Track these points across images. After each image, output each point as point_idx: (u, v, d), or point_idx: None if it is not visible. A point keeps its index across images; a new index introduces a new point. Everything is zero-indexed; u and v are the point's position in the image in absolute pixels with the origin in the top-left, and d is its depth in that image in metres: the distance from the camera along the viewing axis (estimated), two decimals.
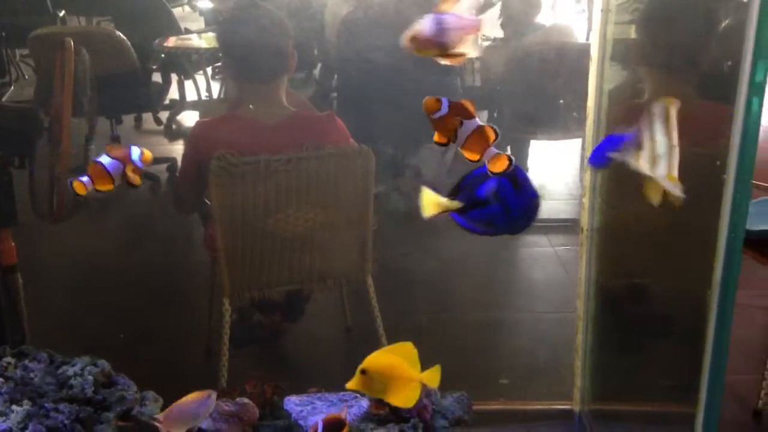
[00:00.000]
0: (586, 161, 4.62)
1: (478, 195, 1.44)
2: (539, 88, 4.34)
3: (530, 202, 1.44)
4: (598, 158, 1.61)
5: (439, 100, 1.32)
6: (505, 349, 3.39)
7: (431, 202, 1.44)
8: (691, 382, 1.72)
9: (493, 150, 1.33)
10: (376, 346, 2.79)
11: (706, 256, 1.55)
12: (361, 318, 3.07)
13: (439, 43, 1.33)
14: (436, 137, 1.35)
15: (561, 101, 4.40)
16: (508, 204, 1.44)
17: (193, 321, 3.35)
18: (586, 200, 1.89)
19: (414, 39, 1.33)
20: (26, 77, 7.64)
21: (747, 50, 1.32)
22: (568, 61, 4.25)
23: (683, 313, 2.16)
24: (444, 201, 1.44)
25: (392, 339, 2.84)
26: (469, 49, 1.36)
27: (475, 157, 1.34)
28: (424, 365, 1.86)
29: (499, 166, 1.33)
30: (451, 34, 1.33)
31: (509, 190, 1.43)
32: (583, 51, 4.39)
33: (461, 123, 1.33)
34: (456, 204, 1.45)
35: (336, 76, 4.85)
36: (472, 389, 1.92)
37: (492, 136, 1.33)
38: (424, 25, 1.33)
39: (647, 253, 2.14)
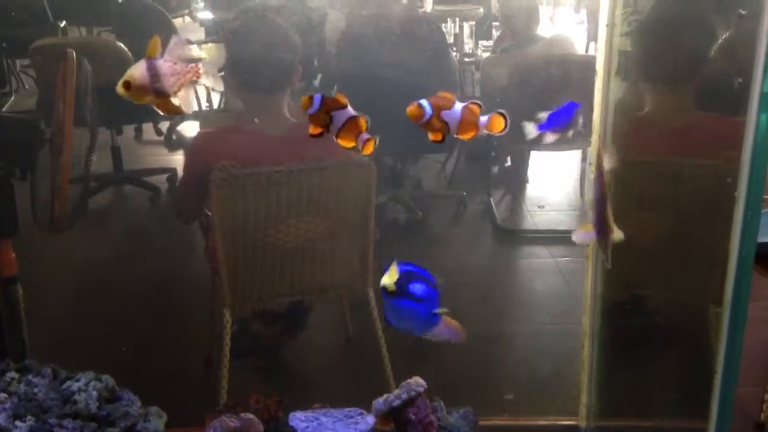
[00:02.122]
0: (587, 173, 4.61)
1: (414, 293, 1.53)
2: (540, 99, 4.34)
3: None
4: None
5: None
6: (508, 360, 3.38)
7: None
8: (700, 398, 1.70)
9: (483, 120, 1.38)
10: (377, 356, 2.79)
11: (714, 270, 1.55)
12: (362, 328, 3.06)
13: (155, 90, 1.36)
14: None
15: None
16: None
17: (194, 332, 3.34)
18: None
19: (127, 85, 1.34)
20: (27, 87, 7.63)
21: (758, 64, 1.31)
22: (569, 73, 4.25)
23: (690, 327, 2.15)
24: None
25: (393, 350, 2.84)
26: (185, 102, 1.41)
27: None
28: (426, 375, 1.85)
29: (497, 125, 1.38)
30: (165, 81, 1.35)
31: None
32: (585, 63, 4.43)
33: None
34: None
35: (336, 87, 4.85)
36: (474, 402, 1.90)
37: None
38: (136, 71, 1.34)
39: (654, 267, 2.13)
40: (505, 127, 1.38)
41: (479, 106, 1.38)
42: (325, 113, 1.41)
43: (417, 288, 1.52)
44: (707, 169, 2.26)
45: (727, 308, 1.28)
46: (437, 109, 1.37)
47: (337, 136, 1.42)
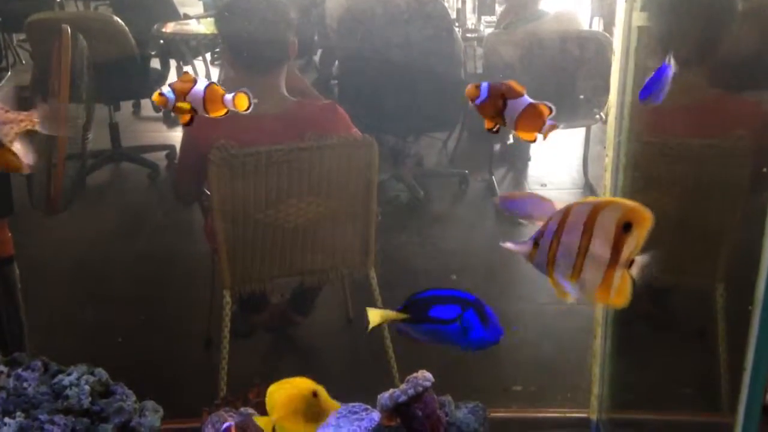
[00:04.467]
0: (591, 152, 4.52)
1: (439, 316, 1.47)
2: (544, 75, 4.29)
3: (491, 343, 1.47)
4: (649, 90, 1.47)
5: (477, 87, 1.28)
6: (510, 341, 3.34)
7: (376, 314, 1.51)
8: (717, 390, 1.67)
9: (549, 123, 1.28)
10: (378, 337, 2.76)
11: (735, 258, 1.50)
12: (364, 309, 3.02)
13: None
14: (486, 124, 1.32)
15: (567, 88, 4.34)
16: (469, 334, 1.46)
17: (193, 312, 3.31)
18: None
19: None
20: (24, 62, 7.58)
21: None
22: (574, 49, 4.19)
23: (707, 317, 2.10)
24: (389, 313, 1.50)
25: (394, 331, 2.79)
26: (23, 155, 1.34)
27: (531, 137, 1.29)
28: (428, 359, 1.82)
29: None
30: None
31: (475, 323, 1.46)
32: (592, 39, 4.37)
33: (505, 104, 1.28)
34: (401, 315, 1.50)
35: (337, 63, 4.79)
36: (477, 384, 1.86)
37: (546, 111, 1.28)
38: None
39: (671, 254, 2.08)
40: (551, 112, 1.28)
41: (550, 109, 1.28)
42: (184, 104, 1.40)
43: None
44: (719, 149, 2.21)
45: (759, 304, 1.22)
46: (496, 94, 1.28)
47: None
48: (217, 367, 2.65)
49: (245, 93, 1.42)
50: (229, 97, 1.41)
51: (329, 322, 3.46)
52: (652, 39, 1.79)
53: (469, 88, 1.28)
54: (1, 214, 2.34)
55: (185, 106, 1.41)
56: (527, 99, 1.27)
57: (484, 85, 1.28)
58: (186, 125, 1.43)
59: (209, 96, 1.41)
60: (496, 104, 1.27)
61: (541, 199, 1.57)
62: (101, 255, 4.00)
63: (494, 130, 1.31)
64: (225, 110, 1.43)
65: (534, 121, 1.27)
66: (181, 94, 1.39)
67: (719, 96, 2.36)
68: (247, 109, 1.44)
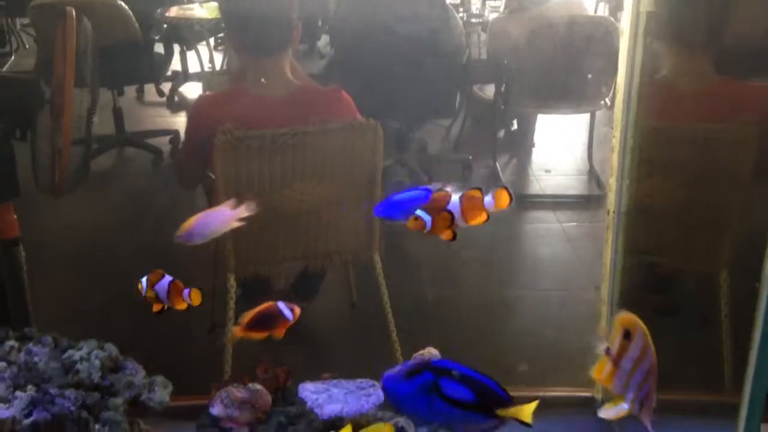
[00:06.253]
0: (596, 137, 4.52)
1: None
2: (549, 61, 4.28)
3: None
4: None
5: (416, 218, 1.34)
6: (513, 327, 3.35)
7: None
8: (722, 372, 1.67)
9: (489, 199, 1.35)
10: (382, 322, 2.76)
11: (739, 243, 1.50)
12: (367, 294, 3.03)
13: None
14: (446, 237, 1.38)
15: (573, 73, 4.34)
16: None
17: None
18: (613, 180, 1.83)
19: None
20: (27, 47, 7.57)
21: None
22: (579, 34, 4.18)
23: (711, 301, 2.11)
24: None
25: (398, 315, 2.81)
26: None
27: (483, 218, 1.37)
28: (432, 341, 1.82)
29: (503, 201, 1.35)
30: None
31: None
32: (596, 23, 4.36)
33: (450, 213, 1.35)
34: None
35: (333, 51, 4.79)
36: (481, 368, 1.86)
37: (478, 193, 1.36)
38: None
39: (679, 237, 2.09)
40: (511, 200, 1.35)
41: (479, 189, 1.35)
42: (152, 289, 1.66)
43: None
44: (725, 134, 2.22)
45: (766, 283, 1.23)
46: (436, 211, 1.35)
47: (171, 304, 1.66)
48: (222, 351, 2.66)
49: (198, 290, 1.65)
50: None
51: (333, 307, 3.47)
52: (660, 24, 1.79)
53: (410, 222, 1.35)
54: (7, 196, 2.34)
55: (152, 294, 1.67)
56: (455, 196, 1.34)
57: (419, 212, 1.34)
58: (156, 313, 1.66)
59: (172, 289, 1.66)
60: (445, 218, 1.33)
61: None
62: (106, 238, 4.00)
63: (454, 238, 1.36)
64: (185, 305, 1.66)
65: (475, 206, 1.34)
66: (151, 285, 1.67)
67: (726, 81, 2.36)
68: (200, 303, 1.64)
